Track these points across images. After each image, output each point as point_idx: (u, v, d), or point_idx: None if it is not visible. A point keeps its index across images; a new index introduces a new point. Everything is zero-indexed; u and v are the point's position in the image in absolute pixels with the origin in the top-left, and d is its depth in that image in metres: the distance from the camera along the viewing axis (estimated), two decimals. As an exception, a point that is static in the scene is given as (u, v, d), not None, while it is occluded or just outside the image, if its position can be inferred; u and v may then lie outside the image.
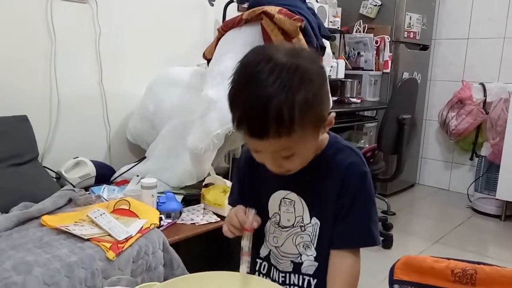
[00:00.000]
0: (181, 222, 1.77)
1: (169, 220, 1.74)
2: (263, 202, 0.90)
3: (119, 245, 1.40)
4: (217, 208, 1.86)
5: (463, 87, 3.60)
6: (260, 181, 0.91)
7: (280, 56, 0.70)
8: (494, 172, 3.37)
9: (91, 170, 2.06)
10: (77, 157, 2.05)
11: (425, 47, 3.78)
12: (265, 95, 0.67)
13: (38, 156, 1.87)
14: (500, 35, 3.53)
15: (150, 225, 1.55)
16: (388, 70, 3.47)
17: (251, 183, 0.93)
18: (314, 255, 0.87)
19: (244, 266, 0.84)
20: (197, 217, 1.81)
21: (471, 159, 3.75)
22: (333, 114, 0.79)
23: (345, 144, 0.87)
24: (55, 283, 1.21)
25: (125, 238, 1.43)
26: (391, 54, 3.45)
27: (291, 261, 0.88)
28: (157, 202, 1.78)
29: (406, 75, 3.49)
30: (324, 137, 0.85)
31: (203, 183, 2.00)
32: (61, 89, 2.09)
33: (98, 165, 2.13)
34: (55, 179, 1.94)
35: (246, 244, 0.85)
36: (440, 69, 3.88)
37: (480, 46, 3.65)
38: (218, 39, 1.95)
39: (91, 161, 2.09)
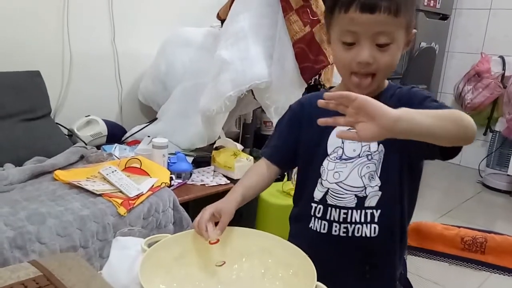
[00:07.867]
0: (191, 182, 1.78)
1: (179, 181, 1.75)
2: (321, 142, 0.91)
3: (130, 201, 1.41)
4: (227, 170, 1.87)
5: (481, 59, 3.49)
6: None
7: None
8: (507, 148, 3.32)
9: (103, 129, 2.07)
10: (89, 116, 2.06)
11: (445, 17, 3.65)
12: None
13: (51, 112, 1.87)
14: (524, 6, 3.40)
15: (161, 184, 1.56)
16: (405, 40, 3.38)
17: (309, 125, 0.92)
18: (379, 184, 0.87)
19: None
20: (207, 179, 1.82)
21: (485, 134, 3.69)
22: (414, 31, 0.89)
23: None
24: (68, 235, 1.23)
25: (136, 195, 1.45)
26: (409, 23, 3.34)
27: (355, 195, 0.87)
28: (168, 163, 1.78)
29: (423, 45, 3.39)
30: (384, 82, 0.93)
31: (214, 146, 2.00)
32: (74, 45, 2.07)
33: (109, 124, 2.13)
34: (67, 136, 1.95)
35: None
36: (459, 40, 3.77)
37: (502, 18, 3.51)
38: (233, -1, 1.89)
39: (103, 120, 2.10)
